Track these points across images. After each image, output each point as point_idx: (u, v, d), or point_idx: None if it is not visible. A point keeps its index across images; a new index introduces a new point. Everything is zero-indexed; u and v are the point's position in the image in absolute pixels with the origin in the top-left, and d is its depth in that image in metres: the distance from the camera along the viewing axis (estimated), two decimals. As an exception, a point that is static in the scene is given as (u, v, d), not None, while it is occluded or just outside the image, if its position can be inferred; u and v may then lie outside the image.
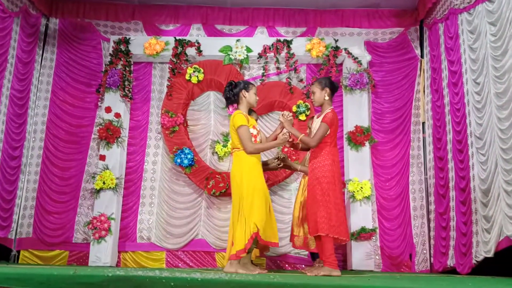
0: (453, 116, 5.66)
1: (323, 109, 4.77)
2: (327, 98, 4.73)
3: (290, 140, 4.73)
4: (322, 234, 4.38)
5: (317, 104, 4.82)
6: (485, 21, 4.93)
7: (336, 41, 6.73)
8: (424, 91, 6.66)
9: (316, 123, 4.74)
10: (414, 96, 6.76)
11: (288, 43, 6.75)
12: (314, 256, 5.69)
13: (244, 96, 4.81)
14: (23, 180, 6.54)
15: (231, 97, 4.87)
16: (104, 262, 6.11)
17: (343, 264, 6.33)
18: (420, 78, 6.75)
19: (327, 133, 4.60)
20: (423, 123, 6.66)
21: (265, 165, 5.23)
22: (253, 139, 4.68)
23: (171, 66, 6.76)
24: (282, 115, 4.83)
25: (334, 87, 4.81)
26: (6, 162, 6.11)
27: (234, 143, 4.78)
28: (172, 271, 4.00)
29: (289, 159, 5.72)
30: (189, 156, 6.42)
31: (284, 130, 4.73)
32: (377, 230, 6.31)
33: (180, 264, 6.42)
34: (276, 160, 5.36)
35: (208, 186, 6.37)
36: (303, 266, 6.27)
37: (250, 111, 5.24)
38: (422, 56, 6.80)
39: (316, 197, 4.48)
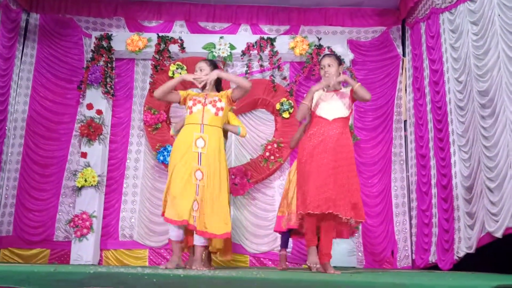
0: (435, 114, 5.72)
1: (337, 87, 4.28)
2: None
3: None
4: (362, 221, 4.15)
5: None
6: (466, 20, 4.98)
7: (319, 39, 6.74)
8: (406, 90, 6.72)
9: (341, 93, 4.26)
10: (396, 94, 6.81)
11: (271, 41, 6.73)
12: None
13: None
14: (2, 177, 6.44)
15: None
16: (86, 260, 6.05)
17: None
18: (402, 76, 6.80)
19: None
20: (405, 121, 6.72)
21: None
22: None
23: (153, 62, 6.69)
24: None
25: None
26: (-15, 159, 6.02)
27: None
28: (155, 268, 3.98)
29: None
30: (171, 154, 6.38)
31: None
32: (360, 227, 6.35)
33: (163, 262, 6.37)
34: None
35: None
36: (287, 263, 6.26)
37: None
38: (404, 55, 6.85)
39: (356, 178, 4.06)
